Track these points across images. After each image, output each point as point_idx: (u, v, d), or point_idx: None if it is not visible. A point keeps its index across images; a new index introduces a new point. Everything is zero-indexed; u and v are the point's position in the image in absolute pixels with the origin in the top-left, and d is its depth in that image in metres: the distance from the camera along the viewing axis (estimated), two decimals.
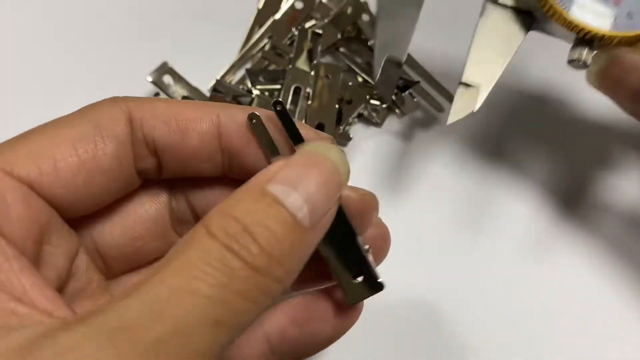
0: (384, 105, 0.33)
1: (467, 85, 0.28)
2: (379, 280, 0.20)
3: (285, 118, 0.20)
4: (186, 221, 0.23)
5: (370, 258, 0.20)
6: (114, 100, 0.20)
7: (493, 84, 0.28)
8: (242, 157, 0.21)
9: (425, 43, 0.33)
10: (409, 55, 0.35)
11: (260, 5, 0.38)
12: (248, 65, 0.36)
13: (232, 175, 0.22)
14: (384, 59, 0.28)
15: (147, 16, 0.39)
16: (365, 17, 0.37)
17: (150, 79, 0.34)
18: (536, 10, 0.28)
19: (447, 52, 0.36)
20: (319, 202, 0.18)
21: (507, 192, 0.33)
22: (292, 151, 0.20)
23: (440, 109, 0.35)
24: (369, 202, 0.21)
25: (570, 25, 0.27)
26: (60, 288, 0.19)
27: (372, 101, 0.33)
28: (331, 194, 0.18)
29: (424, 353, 0.30)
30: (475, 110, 0.28)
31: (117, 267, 0.22)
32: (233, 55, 0.37)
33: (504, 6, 0.29)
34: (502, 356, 0.30)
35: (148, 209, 0.22)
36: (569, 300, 0.31)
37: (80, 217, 0.20)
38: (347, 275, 0.20)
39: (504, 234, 0.32)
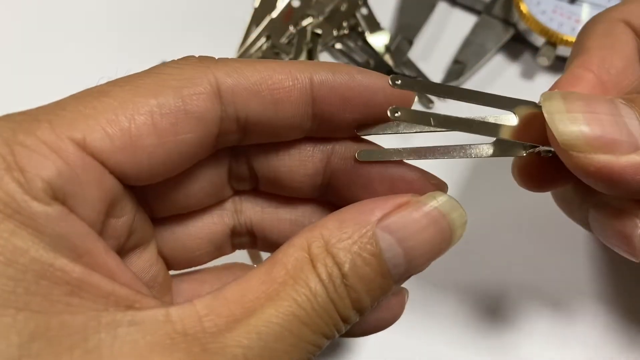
0: None
1: (457, 62, 0.37)
2: None
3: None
4: (243, 233, 0.23)
5: None
6: (199, 64, 0.18)
7: (476, 64, 0.37)
8: (334, 122, 0.19)
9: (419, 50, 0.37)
10: (407, 57, 0.38)
11: (257, 4, 0.38)
12: None
13: (318, 135, 0.20)
14: (399, 37, 0.38)
15: (142, 16, 0.39)
16: (364, 11, 0.39)
17: None
18: (518, 22, 0.37)
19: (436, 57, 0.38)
20: (419, 265, 0.18)
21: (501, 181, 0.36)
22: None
23: (430, 101, 0.37)
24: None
25: (540, 29, 0.36)
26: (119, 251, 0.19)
27: None
28: (433, 258, 0.18)
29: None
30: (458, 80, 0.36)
31: (173, 267, 0.23)
32: (231, 55, 0.38)
33: (496, 17, 0.38)
34: None
35: (211, 236, 0.22)
36: None
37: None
38: None
39: (498, 209, 0.35)
